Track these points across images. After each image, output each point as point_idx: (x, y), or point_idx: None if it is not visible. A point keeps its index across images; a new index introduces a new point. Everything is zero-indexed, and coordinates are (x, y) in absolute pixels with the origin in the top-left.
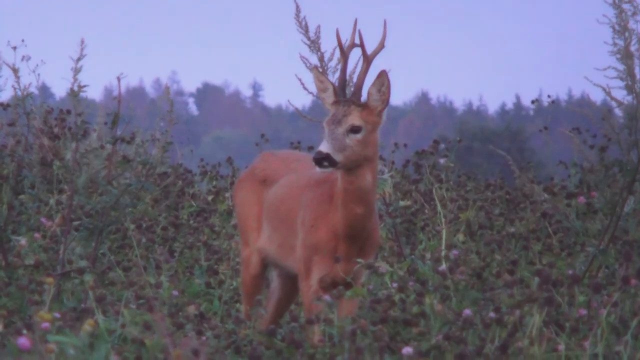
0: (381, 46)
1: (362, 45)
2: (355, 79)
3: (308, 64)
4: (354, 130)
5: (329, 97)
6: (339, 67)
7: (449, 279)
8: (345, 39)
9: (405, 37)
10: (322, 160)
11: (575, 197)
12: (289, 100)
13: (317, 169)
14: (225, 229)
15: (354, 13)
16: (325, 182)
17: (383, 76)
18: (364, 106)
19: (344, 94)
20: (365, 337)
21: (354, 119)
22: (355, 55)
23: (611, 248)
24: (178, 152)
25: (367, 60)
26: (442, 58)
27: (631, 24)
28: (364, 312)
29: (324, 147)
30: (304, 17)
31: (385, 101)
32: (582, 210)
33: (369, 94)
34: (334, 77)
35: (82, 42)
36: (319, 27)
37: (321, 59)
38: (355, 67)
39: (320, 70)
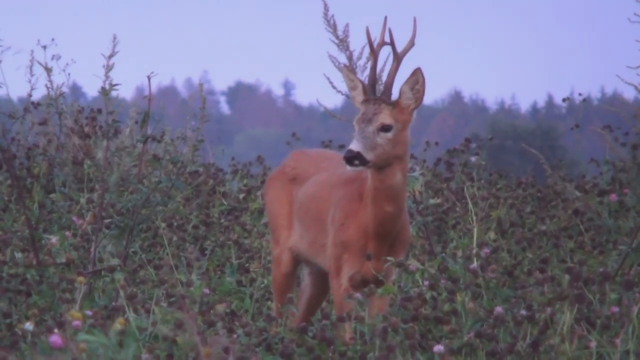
0: (411, 44)
1: (392, 43)
2: (384, 77)
3: (337, 63)
4: (385, 128)
5: (359, 95)
6: (369, 65)
7: (480, 277)
8: (375, 37)
9: (437, 36)
10: (352, 158)
11: (607, 195)
12: (317, 100)
13: (348, 168)
14: (257, 227)
15: (383, 11)
16: (355, 181)
17: (418, 74)
18: (395, 104)
19: (374, 92)
20: (396, 334)
21: (385, 117)
22: (385, 53)
23: None
24: (209, 151)
25: (398, 58)
26: (474, 57)
27: None
28: (395, 309)
29: (355, 146)
30: (332, 16)
31: (419, 99)
32: (614, 207)
33: (401, 91)
34: (364, 76)
35: (115, 38)
36: (347, 25)
37: (350, 57)
38: (385, 65)
39: (350, 68)
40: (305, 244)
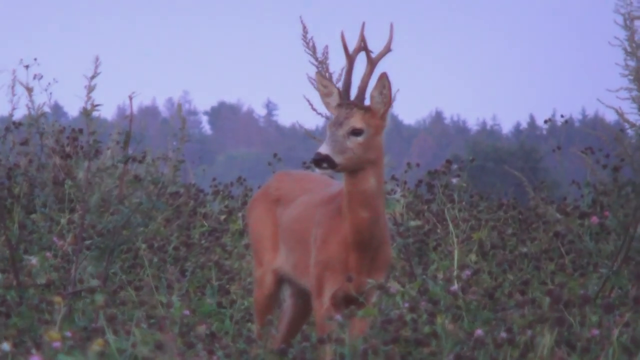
0: (387, 49)
1: (365, 48)
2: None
3: (316, 85)
4: (355, 132)
5: (334, 101)
6: (344, 70)
7: (461, 299)
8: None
9: (419, 57)
10: (320, 161)
11: (588, 217)
12: (297, 122)
13: (317, 170)
14: (237, 248)
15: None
16: (336, 198)
17: (384, 79)
18: (367, 109)
19: (348, 97)
20: (376, 357)
21: (356, 121)
22: (363, 61)
23: (624, 269)
24: (190, 171)
25: (372, 63)
26: (456, 78)
27: None
28: (375, 331)
29: (323, 149)
30: (311, 38)
31: (387, 103)
32: (595, 230)
33: (371, 96)
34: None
35: (97, 59)
36: (326, 47)
37: (330, 79)
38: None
39: (322, 74)
40: (290, 265)
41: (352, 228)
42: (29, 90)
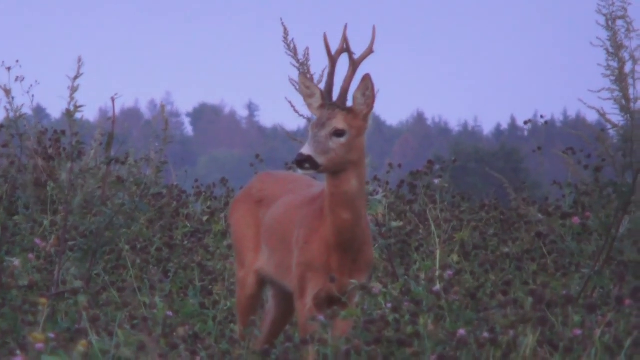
0: (369, 51)
1: (348, 50)
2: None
3: (297, 87)
4: (338, 133)
5: (316, 102)
6: (327, 72)
7: (443, 299)
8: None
9: (401, 58)
10: (303, 162)
11: (569, 218)
12: (279, 124)
13: (299, 171)
14: (220, 249)
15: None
16: (318, 199)
17: (367, 80)
18: (349, 110)
19: (331, 99)
20: (359, 357)
21: (338, 122)
22: (345, 62)
23: (606, 269)
24: (172, 172)
25: (354, 64)
26: (437, 79)
27: (625, 42)
28: (358, 332)
29: (306, 150)
30: (292, 40)
31: (370, 105)
32: (577, 230)
33: (354, 98)
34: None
35: (80, 60)
36: (307, 49)
37: (311, 80)
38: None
39: (306, 75)
40: (272, 266)
41: (334, 229)
42: (7, 92)
